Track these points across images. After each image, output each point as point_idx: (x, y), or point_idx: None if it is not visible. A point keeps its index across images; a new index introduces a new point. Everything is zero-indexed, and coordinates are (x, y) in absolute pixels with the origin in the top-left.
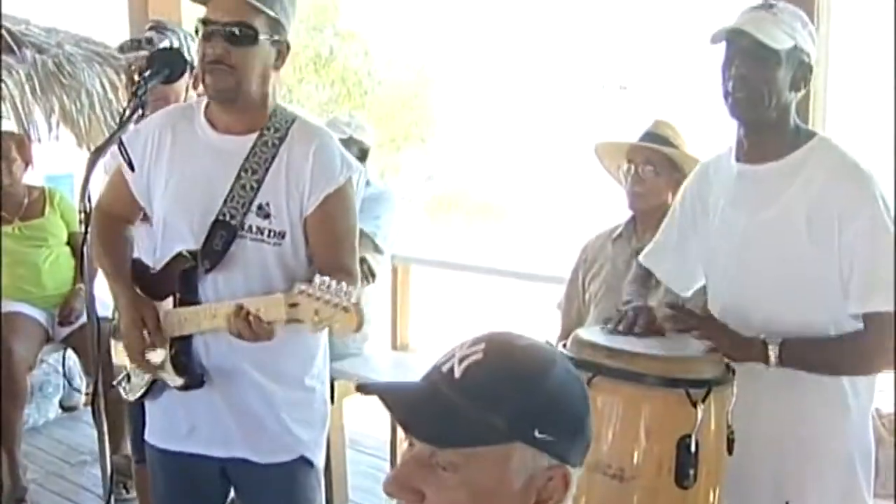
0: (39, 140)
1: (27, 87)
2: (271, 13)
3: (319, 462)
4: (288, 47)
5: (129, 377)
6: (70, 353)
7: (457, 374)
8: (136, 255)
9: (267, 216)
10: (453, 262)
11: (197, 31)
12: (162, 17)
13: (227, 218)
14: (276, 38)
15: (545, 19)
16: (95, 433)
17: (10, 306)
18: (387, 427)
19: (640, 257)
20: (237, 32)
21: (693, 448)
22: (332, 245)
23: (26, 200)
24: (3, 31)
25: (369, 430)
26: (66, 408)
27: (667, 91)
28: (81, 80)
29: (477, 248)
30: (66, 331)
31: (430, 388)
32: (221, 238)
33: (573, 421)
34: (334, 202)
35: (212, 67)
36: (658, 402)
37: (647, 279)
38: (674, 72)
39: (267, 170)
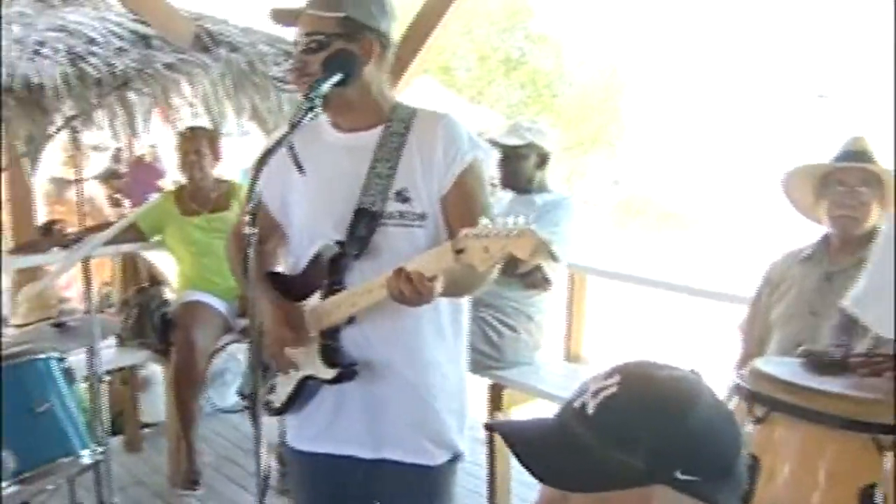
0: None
1: (220, 85)
2: (339, 15)
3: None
4: (381, 42)
5: (273, 388)
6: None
7: (590, 410)
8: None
9: (406, 200)
10: (631, 274)
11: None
12: None
13: (368, 206)
14: (354, 36)
15: (742, 24)
16: (270, 421)
17: (193, 295)
18: None
19: (845, 304)
20: (307, 42)
21: (878, 500)
22: (472, 221)
23: (214, 194)
24: (202, 31)
25: None
26: (243, 395)
27: (867, 101)
28: (272, 79)
29: (659, 258)
30: (244, 322)
31: (560, 427)
32: (364, 225)
33: (721, 460)
34: (468, 178)
35: (297, 80)
36: (840, 445)
37: (851, 326)
38: (875, 81)
39: (398, 156)
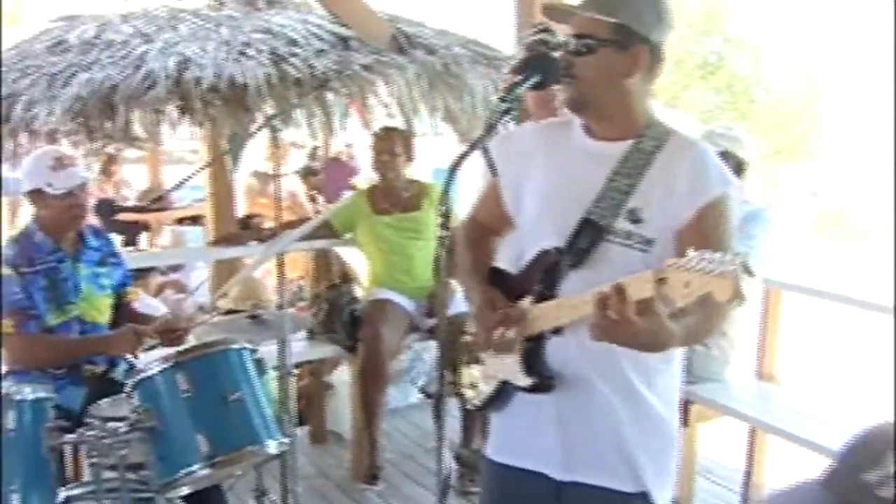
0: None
1: (415, 86)
2: (615, 20)
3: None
4: (652, 53)
5: (474, 385)
6: (434, 343)
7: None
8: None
9: (637, 221)
10: (829, 291)
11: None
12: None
13: (596, 218)
14: (625, 44)
15: None
16: (451, 421)
17: (381, 293)
18: (743, 456)
19: None
20: (575, 44)
21: None
22: None
23: (406, 194)
24: (399, 33)
25: (723, 459)
26: (426, 394)
27: None
28: (466, 81)
29: (859, 275)
30: (431, 322)
31: None
32: (587, 237)
33: None
34: (709, 215)
35: (561, 79)
36: None
37: None
38: None
39: (640, 175)
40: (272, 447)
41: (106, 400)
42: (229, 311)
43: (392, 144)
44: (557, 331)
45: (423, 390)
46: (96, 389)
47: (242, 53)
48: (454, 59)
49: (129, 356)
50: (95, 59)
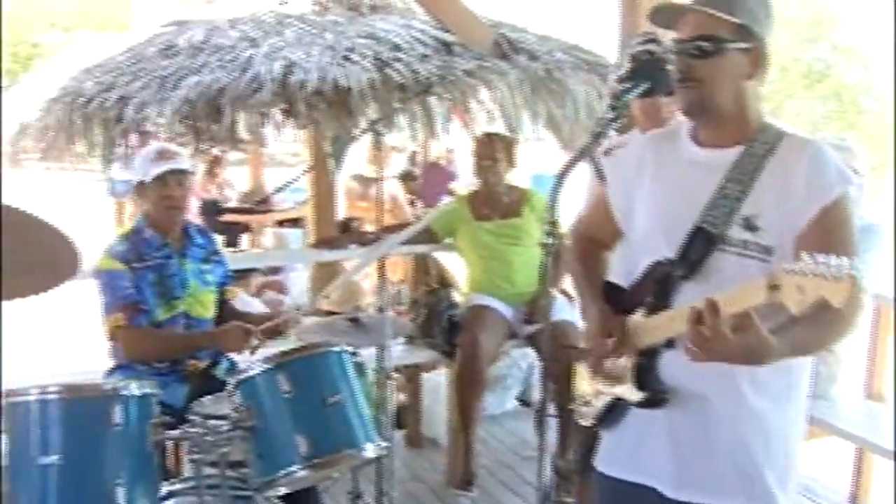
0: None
1: (518, 92)
2: (737, 20)
3: None
4: (764, 53)
5: (588, 401)
6: (532, 350)
7: None
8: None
9: (752, 228)
10: None
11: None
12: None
13: (708, 227)
14: (745, 45)
15: None
16: (546, 431)
17: (480, 299)
18: (848, 477)
19: None
20: (699, 46)
21: None
22: None
23: (507, 200)
24: (502, 38)
25: (828, 479)
26: (522, 401)
27: None
28: (568, 87)
29: None
30: (530, 329)
31: None
32: (700, 246)
33: None
34: (830, 218)
35: (679, 84)
36: None
37: None
38: None
39: (752, 181)
40: (370, 451)
41: (208, 397)
42: (329, 314)
43: (494, 150)
44: (670, 344)
45: (519, 398)
46: (199, 386)
47: (346, 58)
48: (557, 64)
49: (231, 354)
50: (204, 62)
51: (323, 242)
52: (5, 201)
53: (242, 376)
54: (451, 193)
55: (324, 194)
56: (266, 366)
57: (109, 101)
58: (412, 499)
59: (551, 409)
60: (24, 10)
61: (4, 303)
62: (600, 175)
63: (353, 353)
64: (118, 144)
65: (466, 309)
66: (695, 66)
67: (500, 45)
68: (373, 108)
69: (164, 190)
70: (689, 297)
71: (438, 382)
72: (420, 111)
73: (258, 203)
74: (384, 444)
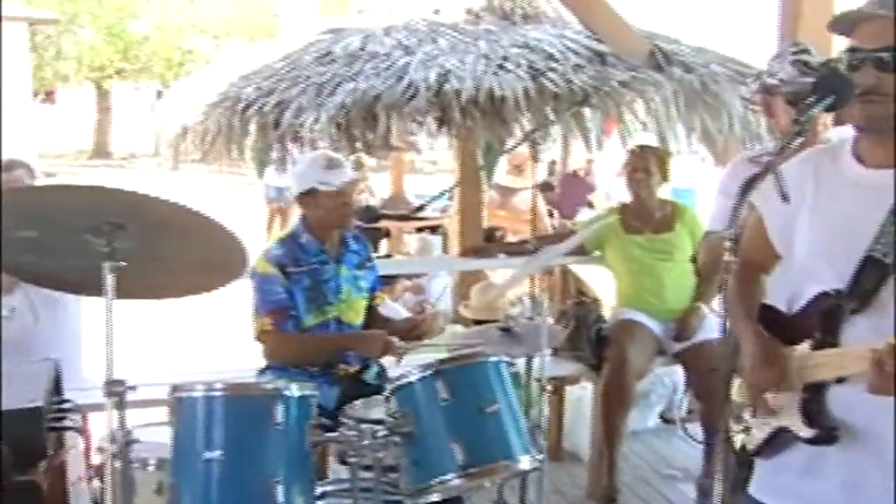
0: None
1: (672, 104)
2: None
3: None
4: None
5: (748, 429)
6: (678, 368)
7: None
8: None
9: None
10: None
11: (843, 62)
12: (811, 40)
13: (879, 255)
14: None
15: None
16: (689, 449)
17: (629, 314)
18: None
19: None
20: (887, 58)
21: None
22: None
23: (659, 214)
24: (656, 49)
25: None
26: (665, 419)
27: None
28: (723, 100)
29: None
30: (679, 346)
31: None
32: (872, 278)
33: None
34: None
35: (862, 98)
36: None
37: None
38: None
39: None
40: (525, 462)
41: (359, 401)
42: (476, 322)
43: (647, 163)
44: (841, 379)
45: (662, 415)
46: (348, 389)
47: (501, 67)
48: (712, 77)
49: (382, 360)
50: (360, 69)
51: (471, 251)
52: (174, 200)
53: (400, 382)
54: (589, 205)
55: (472, 204)
56: (425, 373)
57: (268, 107)
58: None
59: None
60: (175, 18)
61: (166, 300)
62: (783, 194)
63: (510, 364)
64: (274, 149)
65: (615, 323)
66: (883, 79)
67: (654, 56)
68: (527, 117)
69: (343, 198)
70: (860, 331)
71: (581, 396)
72: (573, 122)
73: (417, 210)
74: (539, 456)
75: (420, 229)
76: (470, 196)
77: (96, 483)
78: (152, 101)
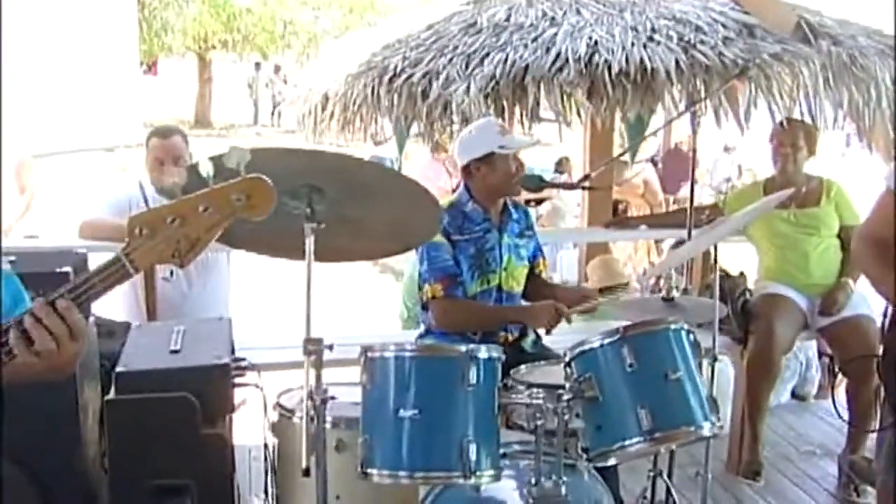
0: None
1: (820, 78)
2: None
3: None
4: None
5: None
6: (811, 344)
7: None
8: None
9: None
10: None
11: None
12: None
13: None
14: None
15: None
16: (823, 426)
17: (775, 288)
18: None
19: None
20: None
21: None
22: None
23: (805, 189)
24: (804, 21)
25: None
26: (797, 396)
27: None
28: (872, 74)
29: None
30: (824, 321)
31: None
32: None
33: None
34: None
35: None
36: None
37: None
38: None
39: None
40: (706, 429)
41: (524, 367)
42: (601, 290)
43: (794, 137)
44: None
45: (794, 392)
46: (507, 356)
47: (651, 39)
48: (860, 50)
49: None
50: (507, 40)
51: (615, 222)
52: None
53: (583, 348)
54: (694, 181)
55: (603, 176)
56: (610, 339)
57: (416, 77)
58: (693, 483)
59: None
60: None
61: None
62: None
63: (690, 332)
64: (424, 120)
65: (760, 297)
66: None
67: (801, 27)
68: (676, 90)
69: (517, 162)
70: None
71: (722, 370)
72: (723, 95)
73: (582, 179)
74: (719, 423)
75: (527, 202)
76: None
77: (272, 439)
78: (252, 73)
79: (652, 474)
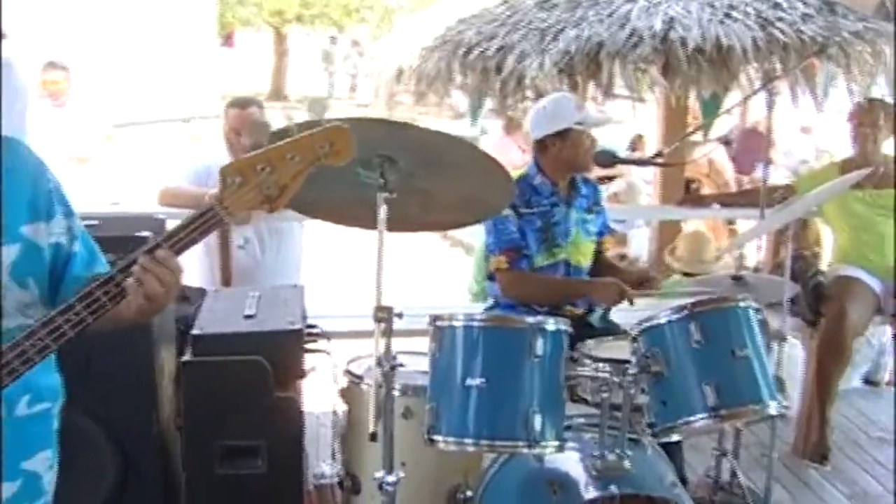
0: None
1: None
2: None
3: None
4: None
5: None
6: (886, 328)
7: None
8: None
9: None
10: None
11: None
12: None
13: None
14: None
15: None
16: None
17: (849, 270)
18: None
19: None
20: None
21: None
22: None
23: (882, 169)
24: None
25: None
26: (870, 381)
27: None
28: None
29: None
30: None
31: None
32: None
33: None
34: None
35: None
36: None
37: None
38: None
39: None
40: (772, 408)
41: (590, 341)
42: (685, 275)
43: (875, 117)
44: None
45: (866, 377)
46: (574, 330)
47: (728, 15)
48: None
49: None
50: (582, 15)
51: (687, 200)
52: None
53: (651, 322)
54: (769, 162)
55: (676, 154)
56: (678, 315)
57: (490, 51)
58: (758, 464)
59: None
60: None
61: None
62: None
63: (757, 310)
64: (497, 94)
65: (834, 279)
66: None
67: (884, 5)
68: (753, 68)
69: (591, 138)
70: None
71: (790, 352)
72: (802, 74)
73: (656, 156)
74: (786, 402)
75: (601, 179)
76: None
77: (341, 406)
78: (327, 47)
79: (717, 453)
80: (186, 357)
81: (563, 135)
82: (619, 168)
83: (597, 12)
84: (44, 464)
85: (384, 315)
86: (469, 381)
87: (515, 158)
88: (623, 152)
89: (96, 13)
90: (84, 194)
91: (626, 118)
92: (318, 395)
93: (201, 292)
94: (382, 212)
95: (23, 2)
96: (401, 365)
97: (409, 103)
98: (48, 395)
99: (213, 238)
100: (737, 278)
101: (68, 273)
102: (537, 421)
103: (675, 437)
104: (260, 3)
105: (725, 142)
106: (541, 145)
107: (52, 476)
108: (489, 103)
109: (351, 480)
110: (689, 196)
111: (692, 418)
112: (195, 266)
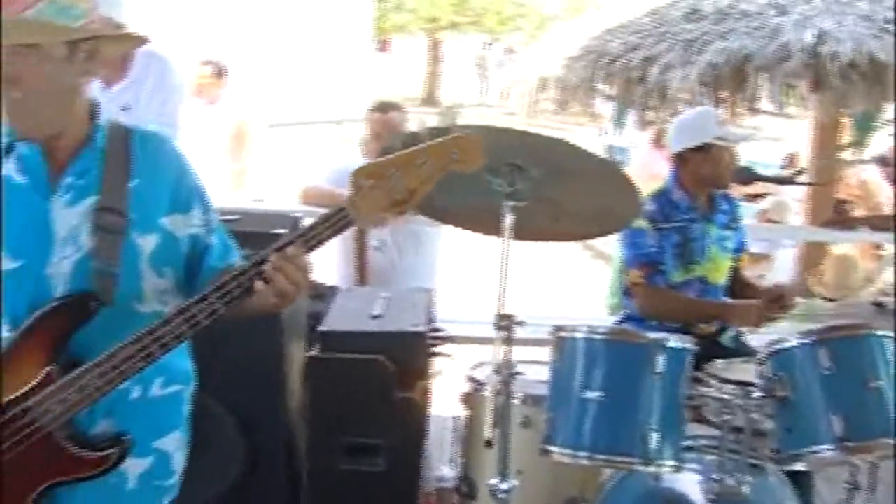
0: None
1: None
2: None
3: None
4: None
5: None
6: None
7: None
8: None
9: None
10: None
11: None
12: None
13: None
14: None
15: None
16: None
17: None
18: None
19: None
20: None
21: None
22: None
23: None
24: None
25: None
26: None
27: None
28: None
29: None
30: None
31: None
32: None
33: None
34: None
35: None
36: None
37: None
38: None
39: None
40: None
41: (720, 362)
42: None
43: None
44: None
45: None
46: (705, 350)
47: (884, 29)
48: None
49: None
50: (730, 28)
51: (831, 222)
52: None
53: (779, 346)
54: None
55: (825, 173)
56: (807, 340)
57: (634, 62)
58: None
59: None
60: None
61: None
62: None
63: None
64: (638, 105)
65: None
66: None
67: None
68: None
69: (732, 154)
70: None
71: None
72: None
73: (795, 174)
74: None
75: (749, 197)
76: (827, 167)
77: (463, 411)
78: (479, 54)
79: (849, 486)
80: (313, 352)
81: (702, 149)
82: (768, 186)
83: (746, 24)
84: (174, 444)
85: (505, 323)
86: (587, 394)
87: (663, 171)
88: (774, 170)
89: (254, 14)
90: (231, 191)
91: (781, 135)
92: (446, 399)
93: (333, 290)
94: (508, 219)
95: (182, 1)
96: (519, 373)
97: (551, 112)
98: (181, 378)
99: (350, 239)
100: (879, 304)
101: (204, 264)
102: (654, 438)
103: (799, 466)
104: (415, 9)
105: (882, 161)
106: (680, 159)
107: (181, 457)
108: (632, 115)
109: (468, 485)
110: (833, 218)
111: (817, 448)
112: (335, 266)
